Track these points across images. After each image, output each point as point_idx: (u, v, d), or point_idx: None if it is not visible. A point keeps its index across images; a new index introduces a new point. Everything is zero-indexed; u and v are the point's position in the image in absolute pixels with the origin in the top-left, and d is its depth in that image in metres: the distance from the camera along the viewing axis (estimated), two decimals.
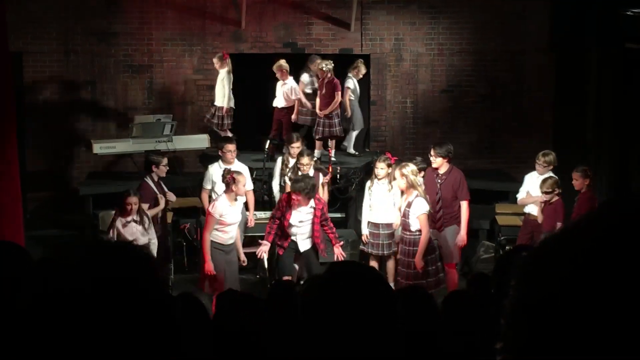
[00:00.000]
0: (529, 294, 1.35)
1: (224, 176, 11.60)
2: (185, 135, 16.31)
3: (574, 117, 17.34)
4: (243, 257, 11.79)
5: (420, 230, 11.27)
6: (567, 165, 17.53)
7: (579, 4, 16.77)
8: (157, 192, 12.23)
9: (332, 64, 14.89)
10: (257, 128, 16.80)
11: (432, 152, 12.14)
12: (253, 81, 17.42)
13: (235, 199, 11.51)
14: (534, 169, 12.95)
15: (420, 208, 11.21)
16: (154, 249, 11.57)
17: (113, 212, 11.86)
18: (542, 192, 12.03)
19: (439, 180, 11.93)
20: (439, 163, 12.04)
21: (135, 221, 11.49)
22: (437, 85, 17.75)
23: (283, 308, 6.03)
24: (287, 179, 13.11)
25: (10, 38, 13.04)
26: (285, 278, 11.38)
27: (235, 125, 16.38)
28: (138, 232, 11.43)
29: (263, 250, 11.86)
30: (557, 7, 17.31)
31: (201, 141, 16.13)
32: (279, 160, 13.35)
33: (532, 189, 12.71)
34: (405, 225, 11.44)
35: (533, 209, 12.66)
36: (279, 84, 15.64)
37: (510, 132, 17.86)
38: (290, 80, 15.57)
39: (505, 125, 17.87)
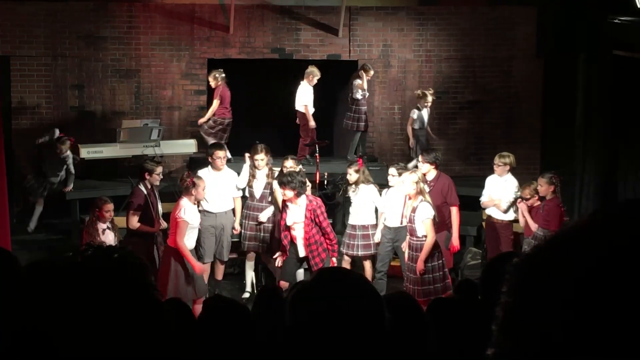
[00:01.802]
0: (526, 301, 1.34)
1: (183, 179, 11.57)
2: (172, 140, 16.31)
3: (562, 124, 17.39)
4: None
5: (426, 236, 11.28)
6: (555, 170, 17.62)
7: (566, 10, 16.81)
8: (150, 202, 11.95)
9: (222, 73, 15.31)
10: (245, 132, 16.77)
11: (419, 159, 12.18)
12: (241, 86, 17.42)
13: (195, 203, 11.49)
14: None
15: (425, 213, 11.22)
16: None
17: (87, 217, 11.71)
18: (524, 199, 12.11)
19: (427, 188, 11.93)
20: (426, 170, 12.05)
21: (109, 228, 11.37)
22: None
23: (270, 312, 6.02)
24: (275, 184, 13.06)
25: None
26: (283, 284, 11.34)
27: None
28: (112, 239, 11.33)
29: (279, 256, 11.87)
30: (544, 14, 17.35)
31: (188, 146, 16.14)
32: (245, 166, 13.10)
33: (493, 191, 12.82)
34: (411, 231, 11.42)
35: (494, 212, 12.83)
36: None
37: (497, 139, 17.89)
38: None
39: (492, 132, 17.91)
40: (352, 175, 12.57)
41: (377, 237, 12.57)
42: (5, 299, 2.32)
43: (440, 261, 11.44)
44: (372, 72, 16.35)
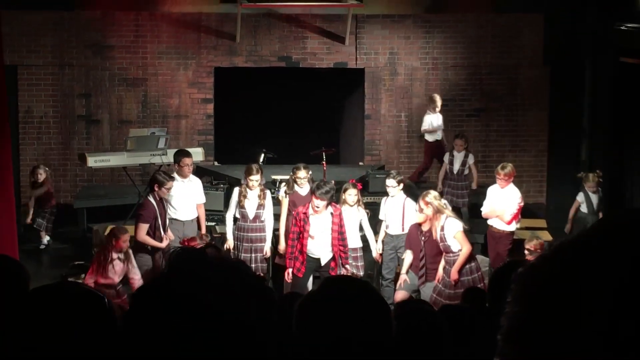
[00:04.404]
0: (531, 310, 1.35)
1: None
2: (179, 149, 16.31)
3: (568, 131, 17.38)
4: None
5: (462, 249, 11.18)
6: (562, 179, 17.63)
7: (573, 18, 16.82)
8: (158, 215, 11.82)
9: None
10: (251, 140, 16.81)
11: (419, 204, 11.86)
12: (247, 94, 17.49)
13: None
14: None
15: (454, 227, 11.07)
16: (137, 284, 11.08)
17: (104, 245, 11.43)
18: (528, 250, 11.75)
19: (423, 237, 11.69)
20: (422, 219, 11.59)
21: (120, 259, 11.04)
22: None
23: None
24: (283, 193, 12.99)
25: (5, 51, 13.02)
26: None
27: (229, 137, 16.38)
28: (119, 270, 10.99)
29: (289, 274, 11.78)
30: (551, 21, 17.35)
31: (195, 154, 16.11)
32: (236, 191, 12.63)
33: (495, 202, 12.76)
34: (446, 249, 11.23)
35: (496, 222, 12.78)
36: (432, 116, 16.35)
37: (504, 146, 17.89)
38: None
39: (499, 139, 17.90)
40: (351, 197, 12.33)
41: (379, 247, 12.54)
42: (12, 310, 2.34)
43: (476, 274, 11.24)
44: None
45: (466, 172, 15.38)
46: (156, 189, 11.82)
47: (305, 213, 11.52)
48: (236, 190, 12.61)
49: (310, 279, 11.96)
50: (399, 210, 12.38)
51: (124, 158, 15.54)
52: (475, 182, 15.46)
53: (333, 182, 14.45)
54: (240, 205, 12.42)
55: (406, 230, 12.04)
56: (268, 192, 12.61)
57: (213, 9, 17.33)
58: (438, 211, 11.17)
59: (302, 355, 2.71)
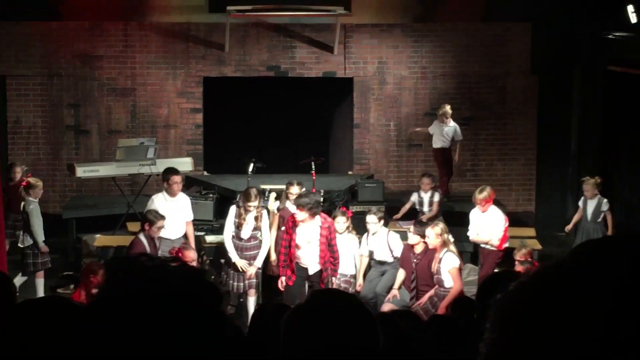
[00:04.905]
0: (509, 337, 1.35)
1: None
2: (168, 159, 16.29)
3: (557, 139, 17.43)
4: None
5: None
6: (551, 187, 17.68)
7: (561, 27, 16.88)
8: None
9: None
10: (240, 150, 16.79)
11: (411, 229, 11.90)
12: (236, 104, 17.49)
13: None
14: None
15: (450, 263, 11.13)
16: None
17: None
18: (517, 260, 11.74)
19: (415, 260, 11.68)
20: (415, 242, 11.68)
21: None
22: (420, 108, 17.79)
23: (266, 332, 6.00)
24: (275, 210, 12.96)
25: None
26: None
27: (218, 147, 16.37)
28: None
29: (282, 282, 11.76)
30: (539, 30, 17.40)
31: (184, 164, 16.14)
32: (232, 210, 12.45)
33: (480, 226, 12.70)
34: (439, 282, 11.29)
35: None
36: (439, 126, 16.13)
37: (493, 155, 17.92)
38: (452, 122, 16.08)
39: (488, 148, 17.92)
40: (343, 225, 12.33)
41: (359, 281, 12.51)
42: None
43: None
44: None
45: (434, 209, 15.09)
46: (147, 227, 11.57)
47: (293, 222, 11.53)
48: (232, 210, 12.40)
49: (306, 286, 11.91)
50: (384, 245, 12.36)
51: (113, 168, 15.52)
52: (431, 215, 14.67)
53: (322, 191, 14.46)
54: (237, 227, 12.27)
55: (395, 258, 12.14)
56: (265, 213, 12.46)
57: (202, 19, 17.34)
58: (444, 244, 11.23)
59: None
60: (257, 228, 12.31)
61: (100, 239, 14.45)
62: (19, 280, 12.86)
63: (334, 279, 11.79)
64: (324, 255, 11.53)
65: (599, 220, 13.81)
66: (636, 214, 15.70)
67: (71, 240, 15.34)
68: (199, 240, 13.56)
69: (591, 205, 13.92)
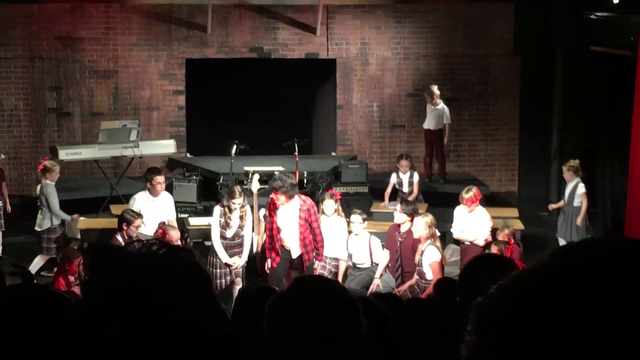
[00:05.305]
0: (489, 341, 1.35)
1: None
2: (151, 141, 16.28)
3: (540, 120, 17.48)
4: None
5: None
6: (534, 168, 17.73)
7: (543, 8, 16.90)
8: None
9: None
10: (222, 132, 16.76)
11: (398, 207, 11.86)
12: (219, 86, 17.46)
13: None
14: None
15: (431, 256, 11.04)
16: None
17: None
18: (498, 241, 11.70)
19: (400, 239, 11.61)
20: (401, 220, 11.64)
21: (77, 284, 10.82)
22: (403, 89, 17.80)
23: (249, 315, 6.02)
24: (263, 216, 12.75)
25: None
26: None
27: (201, 129, 16.35)
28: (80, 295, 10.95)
29: (267, 264, 11.72)
30: (521, 11, 17.41)
31: (167, 146, 16.14)
32: (217, 210, 12.25)
33: (464, 225, 12.59)
34: (420, 274, 11.24)
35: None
36: (429, 107, 16.04)
37: (476, 136, 17.95)
38: (442, 104, 15.99)
39: (471, 129, 17.95)
40: (331, 207, 12.15)
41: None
42: None
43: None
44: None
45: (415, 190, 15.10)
46: (124, 227, 11.42)
47: (274, 205, 11.51)
48: (217, 210, 12.23)
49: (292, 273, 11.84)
50: (365, 249, 12.14)
51: (95, 151, 15.49)
52: (412, 198, 14.61)
53: (305, 173, 14.45)
54: (222, 227, 12.11)
55: (374, 263, 12.07)
56: (248, 210, 12.26)
57: (184, 1, 17.28)
58: (429, 237, 11.14)
59: (274, 353, 2.72)
60: (241, 227, 12.22)
61: (83, 222, 14.42)
62: (38, 261, 13.39)
63: (317, 262, 11.74)
64: (303, 238, 11.45)
65: (576, 205, 13.76)
66: (618, 190, 15.67)
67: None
68: (182, 222, 13.55)
69: (568, 189, 13.95)
